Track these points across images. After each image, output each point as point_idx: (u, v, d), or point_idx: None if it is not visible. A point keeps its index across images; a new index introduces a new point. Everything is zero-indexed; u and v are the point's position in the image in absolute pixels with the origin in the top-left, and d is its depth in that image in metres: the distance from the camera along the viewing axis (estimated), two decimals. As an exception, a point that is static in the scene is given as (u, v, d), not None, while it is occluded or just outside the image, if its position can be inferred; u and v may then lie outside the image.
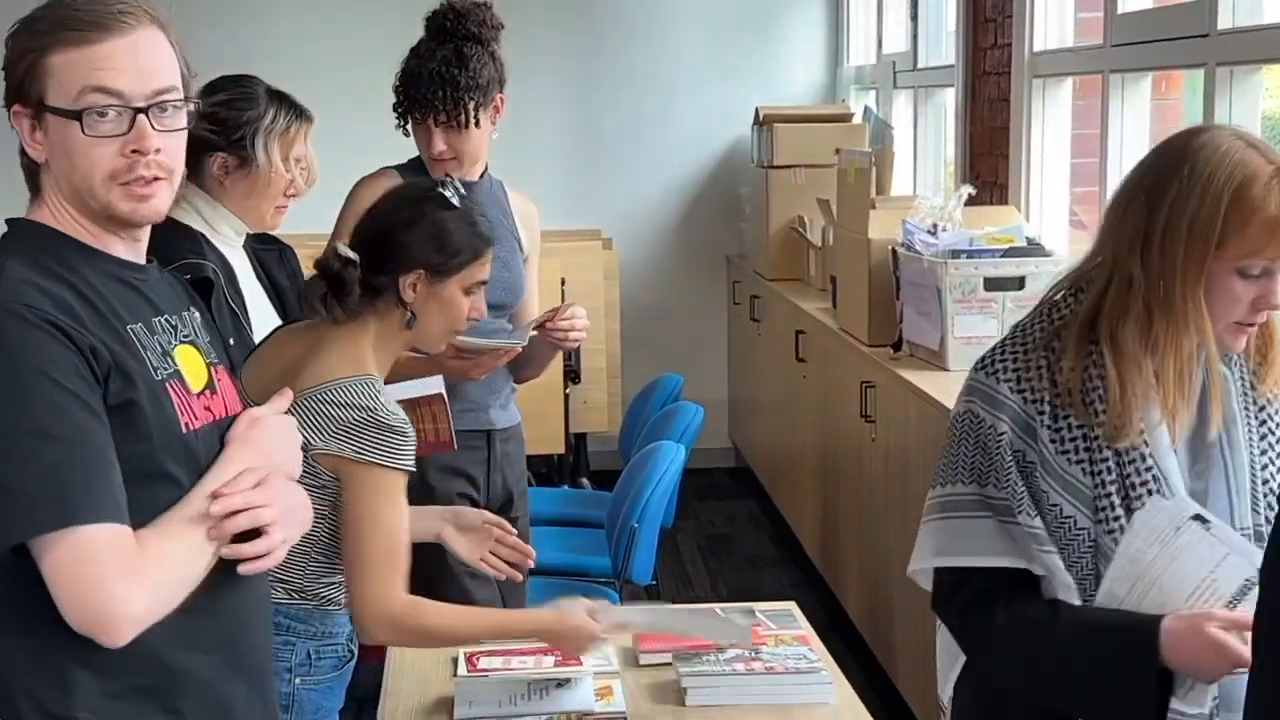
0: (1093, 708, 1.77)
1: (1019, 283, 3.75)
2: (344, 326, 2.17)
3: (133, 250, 1.67)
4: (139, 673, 1.58)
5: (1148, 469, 1.73)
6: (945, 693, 1.96)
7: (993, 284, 3.75)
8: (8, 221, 1.65)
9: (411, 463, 2.12)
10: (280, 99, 2.72)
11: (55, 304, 1.53)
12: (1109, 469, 1.74)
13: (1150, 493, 1.73)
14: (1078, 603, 1.76)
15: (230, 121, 2.64)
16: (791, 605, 2.71)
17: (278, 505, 1.64)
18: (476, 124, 2.96)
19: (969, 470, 1.81)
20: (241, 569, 1.62)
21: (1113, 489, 1.74)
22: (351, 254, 2.16)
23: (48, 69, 1.57)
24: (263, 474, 1.64)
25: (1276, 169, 1.71)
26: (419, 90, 2.92)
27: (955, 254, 3.80)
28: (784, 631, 2.54)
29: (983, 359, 1.85)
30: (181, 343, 1.67)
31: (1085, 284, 1.81)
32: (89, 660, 1.55)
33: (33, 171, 1.64)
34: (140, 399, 1.57)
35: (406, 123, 2.99)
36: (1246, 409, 1.80)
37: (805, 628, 2.59)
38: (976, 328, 3.76)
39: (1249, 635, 1.51)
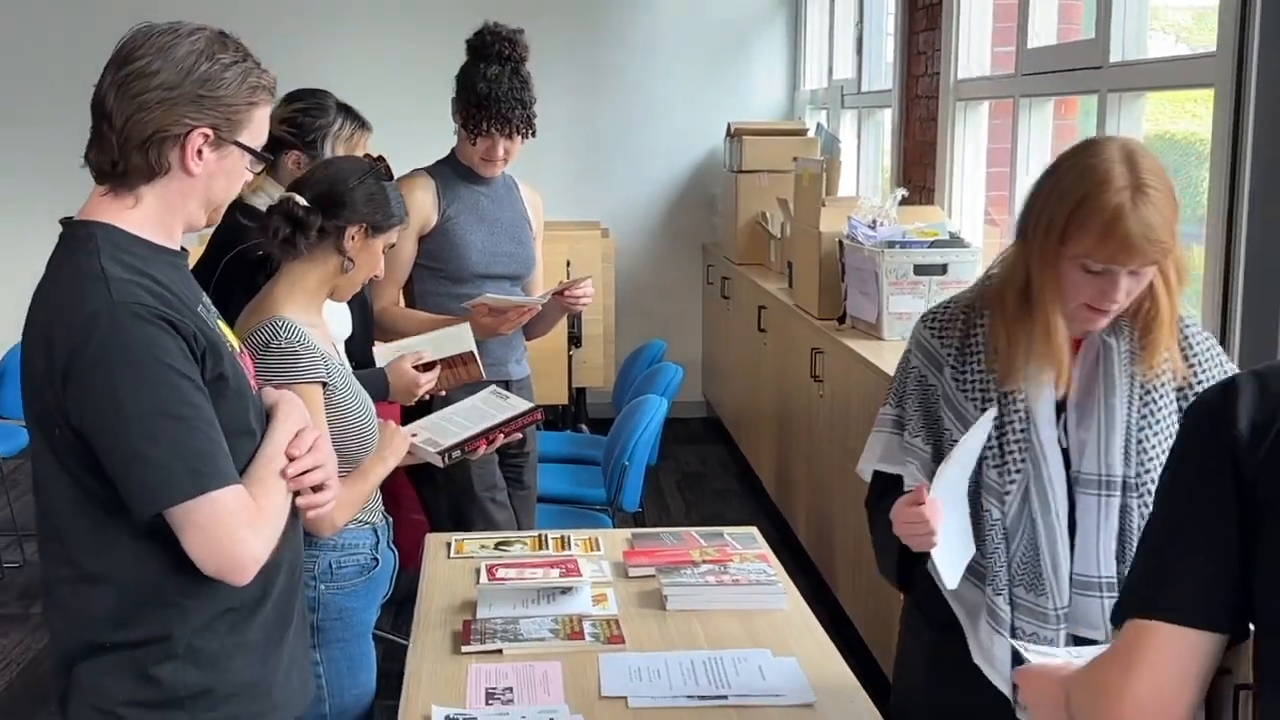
0: (883, 570, 1.92)
1: (943, 269, 3.76)
2: (286, 274, 2.12)
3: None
4: (227, 597, 1.59)
5: (1016, 412, 1.75)
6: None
7: (921, 269, 3.75)
8: (77, 224, 1.57)
9: (319, 375, 2.06)
10: (347, 110, 2.73)
11: (156, 299, 1.51)
12: (994, 406, 1.77)
13: (1019, 431, 1.74)
14: None
15: (305, 126, 2.66)
16: (753, 530, 2.71)
17: (331, 463, 1.67)
18: (534, 133, 2.94)
19: (895, 396, 1.90)
20: (310, 515, 1.66)
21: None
22: (309, 205, 2.09)
23: (252, 118, 1.59)
24: (315, 435, 1.66)
25: (1132, 186, 1.62)
26: (498, 109, 2.89)
27: (891, 244, 3.79)
28: (747, 550, 2.54)
29: (924, 313, 1.90)
30: (218, 318, 1.66)
31: (1000, 264, 1.82)
32: (193, 592, 1.56)
33: (125, 176, 1.55)
34: (226, 371, 1.57)
35: (476, 134, 2.94)
36: (1131, 378, 1.76)
37: (764, 548, 2.58)
38: (907, 305, 3.76)
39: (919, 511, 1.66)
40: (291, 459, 1.62)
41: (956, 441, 1.75)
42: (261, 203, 2.60)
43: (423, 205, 2.95)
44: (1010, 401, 1.75)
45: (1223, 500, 1.17)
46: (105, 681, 1.57)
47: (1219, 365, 1.78)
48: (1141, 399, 1.75)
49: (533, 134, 2.94)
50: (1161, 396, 1.76)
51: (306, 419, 1.68)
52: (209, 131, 1.55)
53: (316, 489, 1.65)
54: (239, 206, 2.71)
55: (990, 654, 1.75)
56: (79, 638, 1.58)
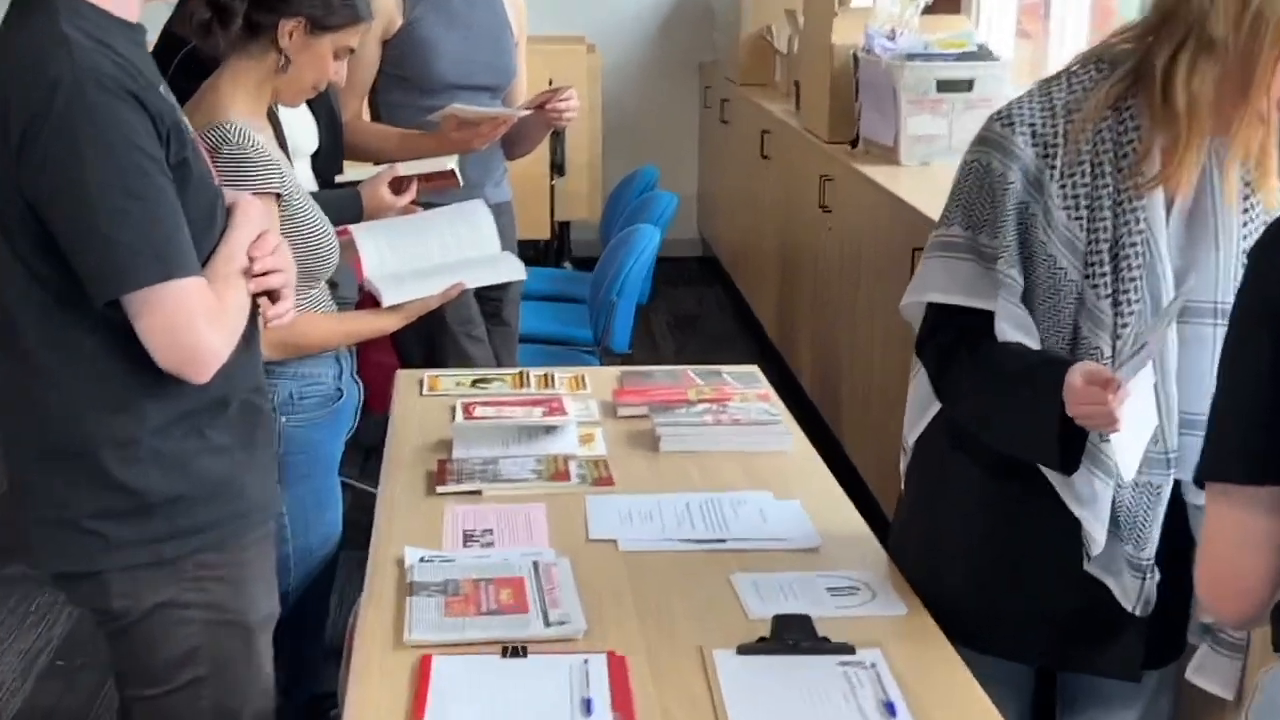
0: (1015, 447, 1.71)
1: (968, 85, 3.70)
2: (229, 70, 2.08)
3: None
4: (188, 398, 1.61)
5: (1139, 231, 1.65)
6: (910, 437, 1.92)
7: (944, 85, 3.70)
8: None
9: (273, 185, 2.05)
10: None
11: (122, 71, 1.50)
12: (1105, 227, 1.66)
13: (1137, 254, 1.64)
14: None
15: None
16: (754, 368, 2.71)
17: (291, 271, 1.69)
18: None
19: (965, 215, 1.74)
20: (272, 324, 1.68)
21: (1104, 246, 1.66)
22: None
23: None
24: (278, 240, 1.67)
25: None
26: None
27: (911, 57, 3.74)
28: (748, 390, 2.54)
29: (999, 113, 1.73)
30: (176, 108, 1.64)
31: (1110, 59, 1.68)
32: (152, 392, 1.58)
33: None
34: (189, 156, 1.57)
35: None
36: (1245, 183, 1.67)
37: (766, 387, 2.58)
38: (928, 126, 3.72)
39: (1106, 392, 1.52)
40: (252, 260, 1.62)
41: (1062, 269, 1.65)
42: None
43: (385, 3, 2.86)
44: (1130, 219, 1.64)
45: (1258, 347, 1.20)
46: (65, 491, 1.60)
47: None
48: (1240, 214, 1.67)
49: None
50: (1256, 218, 1.67)
51: (267, 222, 1.69)
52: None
53: (274, 297, 1.66)
54: None
55: (1089, 500, 1.68)
56: (32, 441, 1.60)
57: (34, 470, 1.61)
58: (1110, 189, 1.66)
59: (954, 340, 1.76)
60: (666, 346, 5.56)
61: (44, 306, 1.55)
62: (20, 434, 1.62)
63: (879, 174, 3.68)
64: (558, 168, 5.75)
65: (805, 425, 2.49)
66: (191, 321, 1.52)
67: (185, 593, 1.64)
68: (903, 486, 1.97)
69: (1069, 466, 1.66)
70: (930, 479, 1.91)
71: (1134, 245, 1.65)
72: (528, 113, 2.87)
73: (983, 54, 3.77)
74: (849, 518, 2.08)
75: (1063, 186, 1.67)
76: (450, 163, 2.66)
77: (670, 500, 2.09)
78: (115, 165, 1.48)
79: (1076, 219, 1.67)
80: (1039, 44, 4.11)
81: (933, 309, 1.79)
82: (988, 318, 1.71)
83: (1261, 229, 1.57)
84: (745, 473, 2.22)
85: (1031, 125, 1.69)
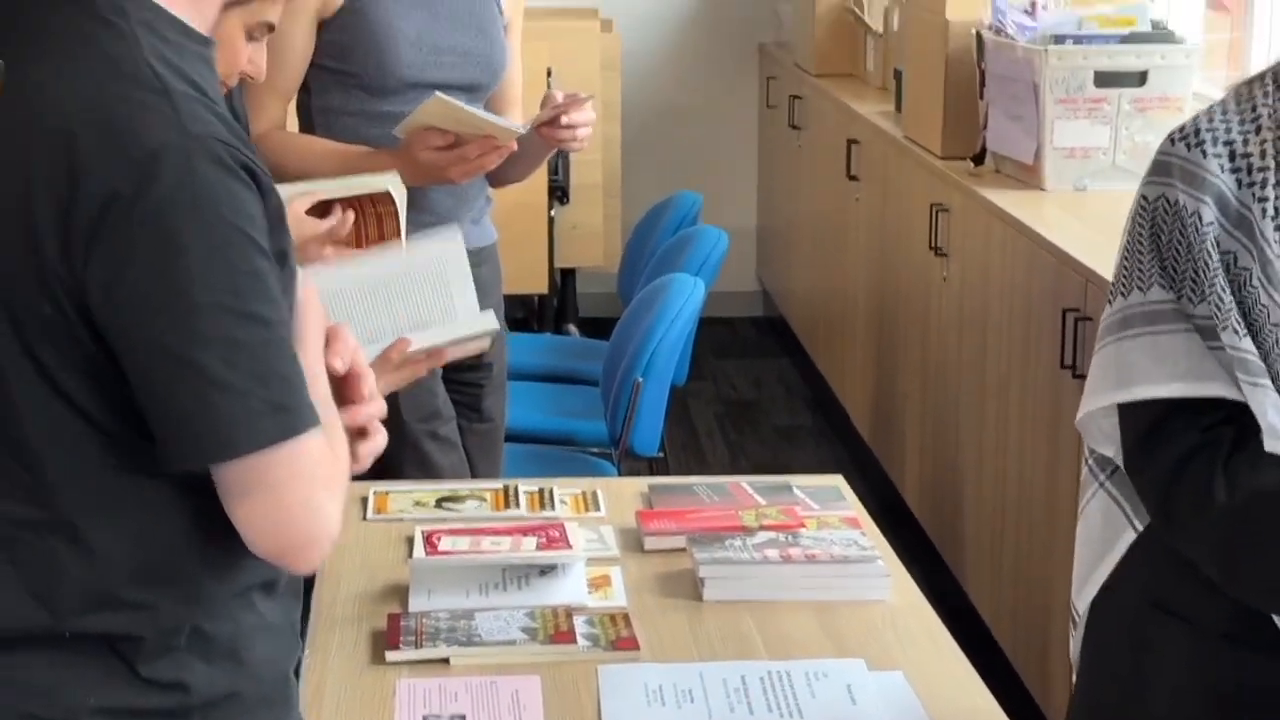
0: None
1: (1140, 78, 3.75)
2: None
3: None
4: (250, 571, 1.62)
5: None
6: (1083, 601, 1.92)
7: (1106, 79, 3.75)
8: None
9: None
10: None
11: (229, 130, 1.52)
12: None
13: None
14: None
15: None
16: (838, 479, 2.73)
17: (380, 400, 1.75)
18: None
19: (1160, 271, 1.73)
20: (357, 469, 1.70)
21: None
22: None
23: None
24: (354, 344, 1.71)
25: None
26: None
27: (1059, 39, 3.79)
28: (828, 512, 2.55)
29: (1181, 129, 1.75)
30: None
31: None
32: (212, 565, 1.59)
33: None
34: (288, 246, 1.59)
35: None
36: None
37: (855, 507, 2.60)
38: (1084, 136, 3.77)
39: None
40: (336, 374, 1.65)
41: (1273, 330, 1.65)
42: None
43: (321, -34, 2.93)
44: None
45: None
46: (59, 678, 1.57)
47: None
48: None
49: None
50: None
51: (321, 309, 1.69)
52: None
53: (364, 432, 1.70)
54: None
55: None
56: (28, 614, 1.56)
57: (20, 648, 1.56)
58: None
59: (1195, 449, 1.72)
60: (714, 446, 5.59)
61: (82, 451, 1.53)
62: (12, 598, 1.56)
63: (1014, 203, 3.72)
64: (559, 193, 5.82)
65: (912, 563, 2.50)
66: (311, 494, 1.52)
67: None
68: (1075, 668, 1.97)
69: None
70: (1121, 657, 1.91)
71: None
72: (526, 129, 2.90)
73: (1161, 35, 3.82)
74: (978, 699, 2.07)
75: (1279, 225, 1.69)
76: (391, 183, 2.62)
77: (718, 671, 2.10)
78: (229, 274, 1.47)
79: None
80: (1240, 22, 4.15)
81: (1143, 413, 1.76)
82: (1220, 419, 1.70)
83: None
84: (826, 632, 2.23)
85: (1229, 144, 1.72)
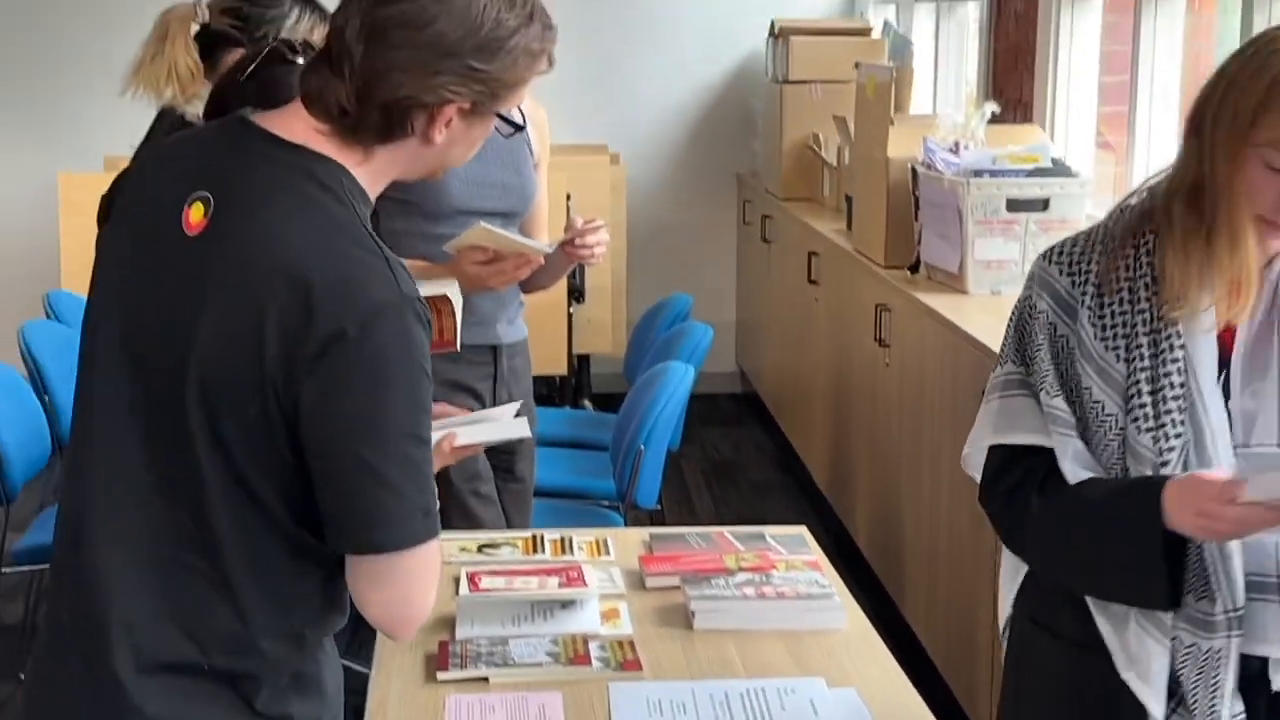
0: (1109, 582, 1.78)
1: (1043, 204, 3.77)
2: None
3: None
4: (336, 625, 1.67)
5: (1174, 361, 1.73)
6: (1000, 622, 1.97)
7: (1015, 205, 3.76)
8: (317, 155, 1.53)
9: None
10: (306, 1, 2.71)
11: (413, 286, 1.54)
12: (1142, 355, 1.75)
13: (1178, 385, 1.73)
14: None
15: (253, 19, 2.64)
16: (803, 530, 2.72)
17: None
18: None
19: (1016, 350, 1.87)
20: None
21: (1143, 376, 1.75)
22: None
23: (523, 88, 1.61)
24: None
25: None
26: None
27: (977, 173, 3.80)
28: (795, 556, 2.54)
29: (1049, 247, 1.89)
30: None
31: (1148, 188, 1.84)
32: (318, 619, 1.63)
33: (355, 129, 1.54)
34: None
35: None
36: None
37: (817, 553, 2.59)
38: (998, 250, 3.78)
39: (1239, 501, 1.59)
40: None
41: (1098, 403, 1.75)
42: (198, 111, 2.61)
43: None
44: (1165, 348, 1.74)
45: None
46: (192, 710, 1.57)
47: None
48: None
49: None
50: None
51: None
52: (468, 105, 1.55)
53: None
54: (172, 118, 2.69)
55: (1143, 664, 1.74)
56: (181, 647, 1.56)
57: (157, 676, 1.56)
58: (1146, 316, 1.76)
59: (1019, 482, 1.84)
60: (702, 500, 5.57)
61: (247, 521, 1.54)
62: (155, 633, 1.56)
63: (943, 304, 3.73)
64: (576, 294, 5.82)
65: (863, 597, 2.50)
66: (429, 586, 1.55)
67: None
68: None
69: (1175, 598, 1.72)
70: (1016, 666, 1.95)
71: (1168, 376, 1.74)
72: (552, 248, 2.91)
73: (1059, 169, 3.83)
74: (913, 709, 2.06)
75: (1099, 316, 1.79)
76: (449, 288, 2.65)
77: (706, 688, 2.09)
78: (412, 404, 1.50)
79: (1114, 349, 1.77)
80: (1123, 157, 4.18)
81: (994, 454, 1.88)
82: (1047, 459, 1.80)
83: None
84: (793, 656, 2.22)
85: (1070, 255, 1.84)
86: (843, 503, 4.84)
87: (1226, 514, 1.62)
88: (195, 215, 1.53)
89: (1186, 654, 1.73)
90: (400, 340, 1.49)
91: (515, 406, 2.39)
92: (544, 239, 3.08)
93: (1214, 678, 1.71)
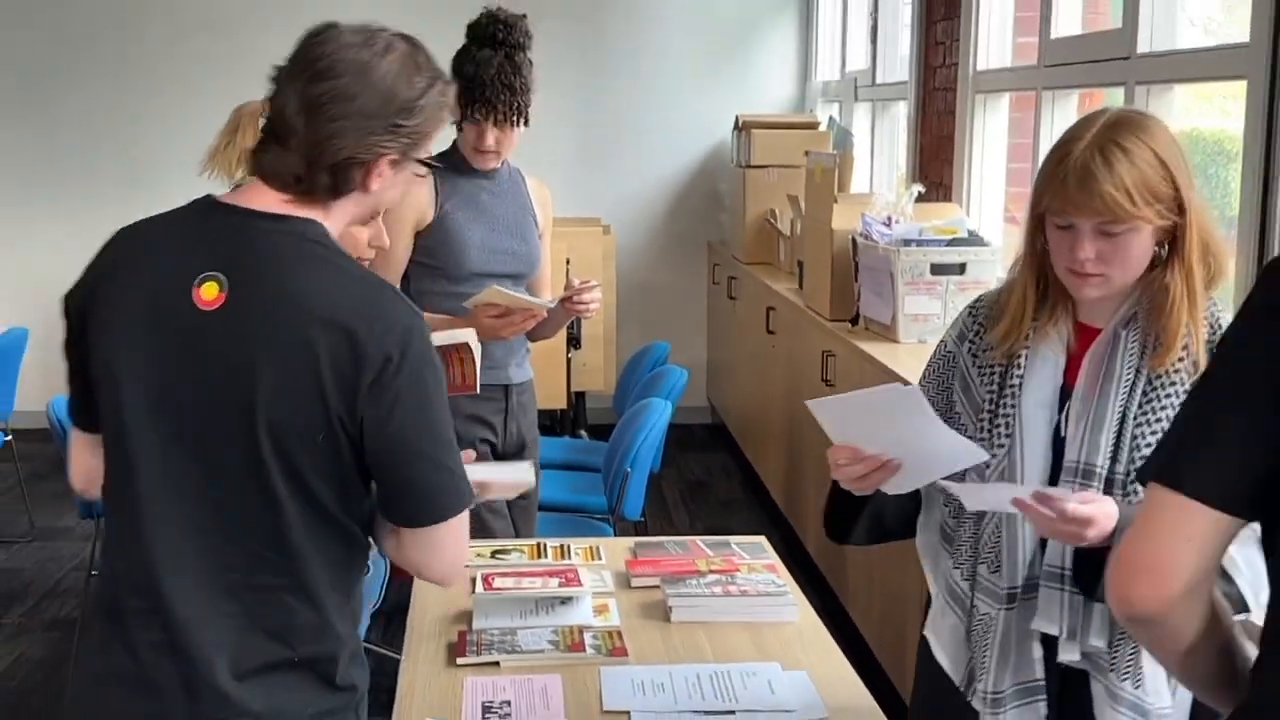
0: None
1: (961, 268, 3.76)
2: None
3: None
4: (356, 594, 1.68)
5: (1012, 385, 1.76)
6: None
7: (938, 269, 3.76)
8: (305, 221, 1.55)
9: None
10: None
11: None
12: (994, 380, 1.80)
13: (1010, 406, 1.75)
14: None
15: None
16: (762, 539, 2.70)
17: None
18: (526, 123, 2.92)
19: (925, 376, 1.91)
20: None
21: (988, 396, 1.79)
22: None
23: (436, 136, 1.63)
24: None
25: (1099, 141, 1.64)
26: (483, 93, 2.85)
27: (907, 243, 3.80)
28: (755, 560, 2.53)
29: (976, 296, 1.93)
30: None
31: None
32: (362, 598, 1.69)
33: (311, 191, 1.55)
34: None
35: (461, 119, 2.93)
36: (1137, 371, 1.70)
37: (774, 558, 2.58)
38: (923, 306, 3.77)
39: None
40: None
41: (958, 414, 1.80)
42: None
43: (419, 198, 2.93)
44: (1011, 375, 1.77)
45: (1271, 384, 1.15)
46: (288, 698, 1.55)
47: None
48: (1146, 393, 1.69)
49: (524, 124, 2.91)
50: (1175, 393, 1.68)
51: None
52: (397, 156, 1.58)
53: None
54: None
55: (939, 628, 1.81)
56: (270, 649, 1.54)
57: (251, 678, 1.53)
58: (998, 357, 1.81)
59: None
60: (678, 513, 5.53)
61: (317, 534, 1.54)
62: (256, 646, 1.54)
63: (878, 350, 3.72)
64: (574, 341, 5.81)
65: (812, 593, 2.48)
66: (464, 539, 1.60)
67: None
68: None
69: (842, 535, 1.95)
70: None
71: (1005, 396, 1.77)
72: (554, 304, 2.91)
73: (974, 240, 3.83)
74: (854, 688, 2.05)
75: (976, 347, 1.83)
76: (469, 335, 2.63)
77: (681, 671, 2.08)
78: (442, 396, 1.56)
79: (982, 375, 1.81)
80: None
81: None
82: None
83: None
84: (754, 643, 2.20)
85: (979, 305, 1.88)
86: (795, 515, 4.82)
87: (830, 456, 1.80)
88: (209, 294, 1.51)
89: (979, 619, 1.77)
90: (427, 349, 1.54)
91: (528, 465, 2.33)
92: (547, 296, 3.08)
93: (985, 638, 1.76)
